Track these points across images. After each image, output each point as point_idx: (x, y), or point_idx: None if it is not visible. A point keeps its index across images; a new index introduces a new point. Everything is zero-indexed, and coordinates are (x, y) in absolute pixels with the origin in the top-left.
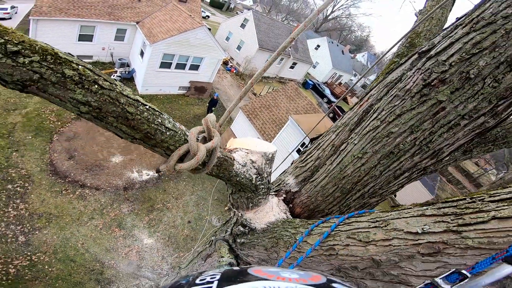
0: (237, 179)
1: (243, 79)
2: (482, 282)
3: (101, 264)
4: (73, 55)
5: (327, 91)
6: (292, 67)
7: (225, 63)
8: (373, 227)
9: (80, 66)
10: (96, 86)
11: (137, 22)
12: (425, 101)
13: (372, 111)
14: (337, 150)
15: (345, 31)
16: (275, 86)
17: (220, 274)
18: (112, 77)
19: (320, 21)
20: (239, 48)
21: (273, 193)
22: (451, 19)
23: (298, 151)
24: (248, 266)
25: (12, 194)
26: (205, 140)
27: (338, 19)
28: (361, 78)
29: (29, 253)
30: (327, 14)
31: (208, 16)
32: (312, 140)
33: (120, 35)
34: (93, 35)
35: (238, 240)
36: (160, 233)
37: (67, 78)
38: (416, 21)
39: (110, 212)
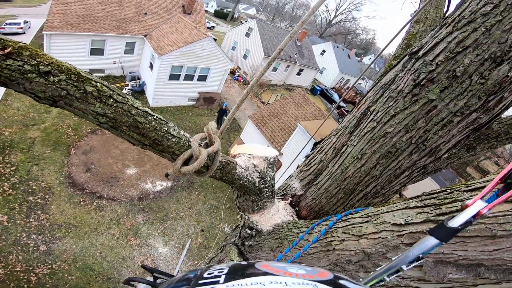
0: (241, 182)
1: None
2: (411, 254)
3: (118, 273)
4: (91, 73)
5: (336, 96)
6: (299, 74)
7: (232, 72)
8: (365, 222)
9: (98, 83)
10: (111, 100)
11: (145, 35)
12: (417, 100)
13: (369, 113)
14: (339, 153)
15: (350, 35)
16: (283, 94)
17: (228, 268)
18: (123, 90)
19: (324, 26)
20: (245, 57)
21: (279, 197)
22: None
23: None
24: (255, 261)
25: (33, 206)
26: (207, 146)
27: (341, 23)
28: (356, 82)
29: (50, 262)
30: (331, 19)
31: (213, 27)
32: (315, 144)
33: (129, 48)
34: (103, 49)
35: (246, 243)
36: (174, 241)
37: (88, 93)
38: (408, 22)
39: (126, 222)
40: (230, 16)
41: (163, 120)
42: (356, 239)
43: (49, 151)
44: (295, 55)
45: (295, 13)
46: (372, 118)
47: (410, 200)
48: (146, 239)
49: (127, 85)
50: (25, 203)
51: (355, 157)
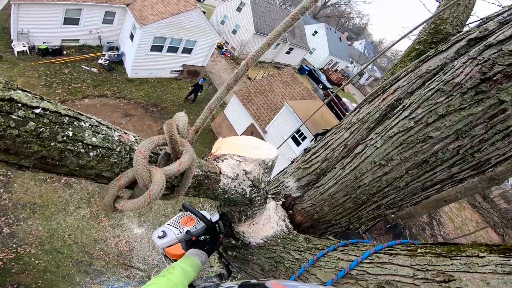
0: (225, 196)
1: (238, 63)
2: None
3: (90, 256)
4: None
5: (323, 77)
6: (288, 53)
7: (219, 47)
8: (422, 279)
9: None
10: None
11: (127, 5)
12: (482, 100)
13: (401, 107)
14: (351, 152)
15: (343, 18)
16: (271, 71)
17: (237, 286)
18: (99, 61)
19: (318, 7)
20: (234, 32)
21: (270, 196)
22: (477, 6)
23: (294, 138)
24: (265, 279)
25: None
26: (168, 158)
27: (337, 5)
28: (363, 68)
29: (14, 245)
30: (326, 0)
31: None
32: (316, 136)
33: (109, 18)
34: (79, 18)
35: (230, 253)
36: (150, 222)
37: None
38: (439, 7)
39: (97, 201)
40: None
41: (66, 116)
42: None
43: None
44: (287, 34)
45: None
46: (408, 116)
47: None
48: (120, 219)
49: (104, 55)
50: None
51: (377, 163)
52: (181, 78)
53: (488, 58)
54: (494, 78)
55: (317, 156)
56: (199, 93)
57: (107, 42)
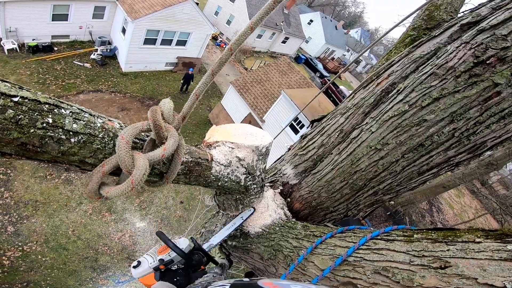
0: (219, 183)
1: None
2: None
3: (95, 251)
4: None
5: (320, 66)
6: (284, 42)
7: (214, 38)
8: (419, 265)
9: None
10: None
11: None
12: (475, 82)
13: (395, 91)
14: (347, 137)
15: (339, 7)
16: (267, 61)
17: (230, 285)
18: (92, 56)
19: None
20: (228, 22)
21: (268, 184)
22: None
23: (292, 126)
24: (258, 278)
25: None
26: (154, 143)
27: None
28: (358, 57)
29: (20, 244)
30: None
31: None
32: (312, 122)
33: (98, 13)
34: (68, 14)
35: (229, 243)
36: (152, 215)
37: None
38: None
39: (83, 189)
40: None
41: (45, 103)
42: None
43: None
44: (282, 23)
45: None
46: (402, 99)
47: (510, 246)
48: (122, 214)
49: (96, 50)
50: None
51: (373, 147)
52: (176, 70)
53: (481, 42)
54: (487, 62)
55: (313, 142)
56: (191, 82)
57: (99, 37)
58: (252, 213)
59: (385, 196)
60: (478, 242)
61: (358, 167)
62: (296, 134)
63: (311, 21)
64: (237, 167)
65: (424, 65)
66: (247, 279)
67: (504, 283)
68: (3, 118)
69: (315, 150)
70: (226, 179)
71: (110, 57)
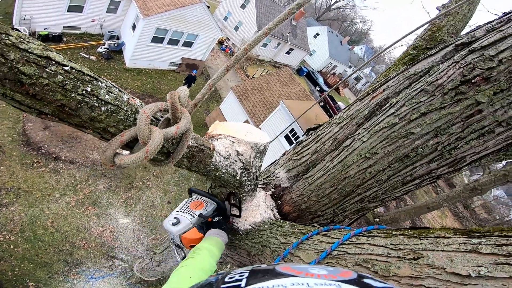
0: (217, 174)
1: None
2: None
3: (71, 245)
4: None
5: (321, 80)
6: (288, 53)
7: (220, 42)
8: (395, 257)
9: None
10: None
11: None
12: (460, 100)
13: (388, 105)
14: (340, 146)
15: (346, 22)
16: (269, 70)
17: (248, 271)
18: (99, 49)
19: (323, 9)
20: (236, 29)
21: (260, 185)
22: (476, 16)
23: (287, 137)
24: (275, 263)
25: None
26: (168, 123)
27: (341, 9)
28: (356, 71)
29: None
30: (331, 3)
31: None
32: (308, 130)
33: (113, 7)
34: (83, 6)
35: None
36: (137, 213)
37: None
38: (437, 14)
39: (84, 189)
40: None
41: (87, 75)
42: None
43: (4, 104)
44: (288, 34)
45: None
46: (393, 113)
47: (476, 241)
48: (106, 208)
49: (104, 43)
50: None
51: (362, 156)
52: (179, 70)
53: (470, 62)
54: (473, 81)
55: (307, 149)
56: (193, 84)
57: (109, 31)
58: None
59: (370, 203)
60: (448, 237)
61: (347, 173)
62: (290, 145)
63: (317, 34)
64: (235, 160)
65: (416, 82)
66: (265, 265)
67: (468, 272)
68: (53, 82)
69: (309, 156)
70: (224, 171)
71: (116, 52)
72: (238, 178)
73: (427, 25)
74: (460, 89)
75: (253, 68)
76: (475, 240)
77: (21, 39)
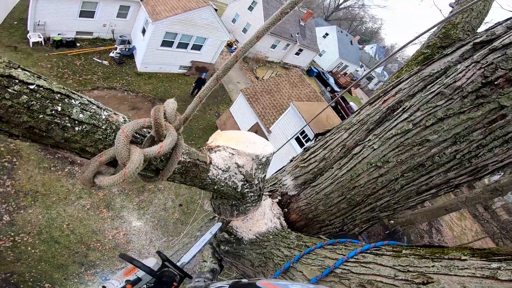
0: (215, 187)
1: (246, 62)
2: None
3: (86, 246)
4: None
5: (331, 80)
6: (297, 54)
7: (229, 45)
8: (402, 280)
9: None
10: None
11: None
12: (482, 104)
13: (401, 109)
14: (349, 153)
15: (356, 22)
16: (279, 71)
17: (228, 286)
18: (111, 54)
19: (331, 9)
20: (244, 31)
21: (266, 193)
22: (492, 12)
23: (298, 139)
24: (256, 279)
25: None
26: (153, 141)
27: (350, 8)
28: (369, 71)
29: (12, 234)
30: (339, 3)
31: None
32: (317, 135)
33: (123, 12)
34: (94, 11)
35: (222, 247)
36: (149, 215)
37: None
38: (451, 12)
39: (99, 192)
40: None
41: (57, 93)
42: None
43: None
44: (297, 35)
45: None
46: (406, 118)
47: (496, 265)
48: (120, 211)
49: (116, 48)
50: None
51: (373, 164)
52: (189, 74)
53: (491, 62)
54: (495, 83)
55: (315, 156)
56: (203, 87)
57: (120, 36)
58: (220, 227)
59: (382, 213)
60: (464, 260)
61: (357, 182)
62: (301, 147)
63: (327, 34)
64: (235, 173)
65: (432, 84)
66: (245, 280)
67: None
68: (17, 103)
69: (316, 164)
70: (223, 184)
71: (128, 57)
72: (239, 190)
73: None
74: (481, 91)
75: (263, 70)
76: (494, 265)
77: None
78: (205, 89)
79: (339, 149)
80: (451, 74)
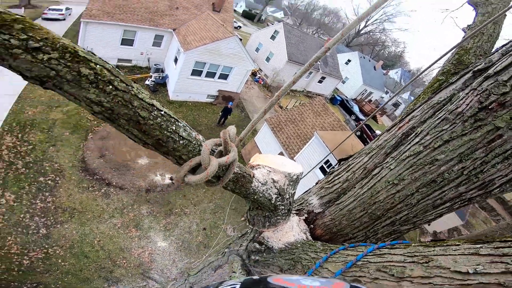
0: (255, 197)
1: (270, 91)
2: None
3: (113, 263)
4: (94, 54)
5: (356, 108)
6: (320, 82)
7: (253, 74)
8: (410, 262)
9: (98, 66)
10: (110, 87)
11: (174, 29)
12: (480, 126)
13: (413, 134)
14: (369, 174)
15: (378, 46)
16: (302, 100)
17: (240, 283)
18: (146, 82)
19: (351, 35)
20: (268, 59)
21: (294, 211)
22: (503, 35)
23: (322, 168)
24: (268, 275)
25: (43, 187)
26: (221, 154)
27: (371, 33)
28: (392, 97)
29: (46, 246)
30: (360, 29)
31: (240, 27)
32: (340, 161)
33: (157, 41)
34: (133, 39)
35: (252, 257)
36: (174, 237)
37: (83, 76)
38: (464, 37)
39: (130, 212)
40: (258, 18)
41: (172, 118)
42: (395, 281)
43: (68, 134)
44: (319, 62)
45: (323, 20)
46: (418, 142)
47: (479, 246)
48: (147, 231)
49: (151, 76)
50: (35, 183)
51: (390, 182)
52: (216, 103)
53: (485, 89)
54: (490, 107)
55: (339, 178)
56: (229, 116)
57: (155, 64)
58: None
59: (402, 226)
60: (457, 245)
61: (377, 198)
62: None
63: (349, 61)
64: (271, 187)
65: (440, 111)
66: (257, 277)
67: (467, 269)
68: (155, 122)
69: (340, 184)
70: (261, 194)
71: (161, 85)
72: (273, 202)
73: (455, 48)
74: (478, 115)
75: (286, 99)
76: (478, 246)
77: (139, 90)
78: (256, 119)
79: (361, 171)
80: (455, 101)
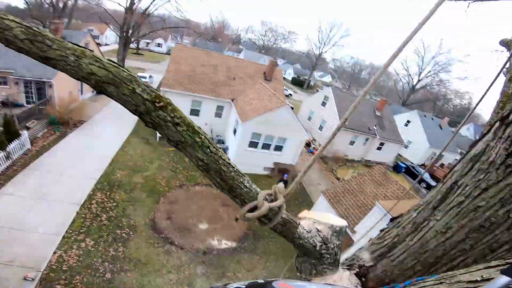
0: (300, 241)
1: (325, 162)
2: None
3: None
4: (200, 128)
5: (426, 175)
6: (379, 148)
7: (307, 144)
8: (438, 283)
9: (203, 136)
10: (208, 150)
11: (232, 100)
12: (511, 171)
13: (456, 187)
14: (418, 227)
15: (439, 101)
16: (360, 170)
17: (245, 286)
18: None
19: (406, 92)
20: (320, 128)
21: (345, 267)
22: None
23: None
24: (273, 279)
25: (118, 238)
26: (271, 202)
27: (428, 87)
28: (439, 154)
29: None
30: (414, 84)
31: (291, 94)
32: (392, 219)
33: (218, 112)
34: (199, 110)
35: None
36: None
37: (196, 143)
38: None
39: (185, 270)
40: (306, 84)
41: (241, 173)
42: None
43: (144, 196)
44: (375, 127)
45: (371, 79)
46: (460, 193)
47: (493, 262)
48: None
49: None
50: (112, 234)
51: (439, 231)
52: (272, 175)
53: (508, 135)
54: None
55: (389, 234)
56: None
57: (216, 135)
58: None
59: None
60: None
61: (427, 247)
62: None
63: (408, 122)
64: (315, 235)
65: (476, 162)
66: (262, 281)
67: (476, 278)
68: (231, 174)
69: (391, 239)
70: (306, 240)
71: None
72: (318, 249)
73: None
74: (507, 162)
75: (343, 170)
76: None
77: (222, 153)
78: (301, 174)
79: (410, 225)
80: (487, 151)
